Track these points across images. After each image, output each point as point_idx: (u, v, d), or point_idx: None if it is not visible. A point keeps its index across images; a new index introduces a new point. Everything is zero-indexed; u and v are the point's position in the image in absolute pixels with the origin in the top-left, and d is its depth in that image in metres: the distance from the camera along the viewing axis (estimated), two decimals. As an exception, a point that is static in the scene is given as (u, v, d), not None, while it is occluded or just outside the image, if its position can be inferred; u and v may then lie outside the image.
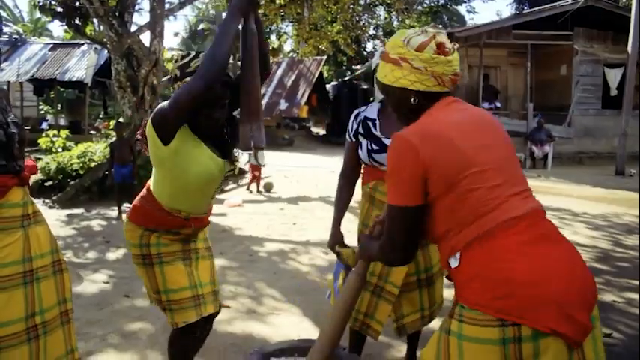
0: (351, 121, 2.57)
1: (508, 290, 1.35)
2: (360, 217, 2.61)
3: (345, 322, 1.91)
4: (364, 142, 2.48)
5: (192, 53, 2.48)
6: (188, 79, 2.09)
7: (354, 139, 2.55)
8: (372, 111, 2.52)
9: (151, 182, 2.30)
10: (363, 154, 2.48)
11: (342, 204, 2.58)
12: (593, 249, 5.67)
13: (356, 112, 2.58)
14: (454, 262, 1.47)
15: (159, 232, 2.26)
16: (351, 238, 2.57)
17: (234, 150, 2.36)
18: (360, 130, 2.51)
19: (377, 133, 2.46)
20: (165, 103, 2.07)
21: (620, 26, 13.31)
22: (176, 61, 9.32)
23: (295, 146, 19.45)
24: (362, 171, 2.62)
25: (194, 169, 2.15)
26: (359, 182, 2.65)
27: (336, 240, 2.50)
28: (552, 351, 1.32)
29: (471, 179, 1.45)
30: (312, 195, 9.24)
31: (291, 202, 8.66)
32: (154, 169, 2.28)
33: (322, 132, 24.19)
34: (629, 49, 12.24)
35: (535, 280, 1.35)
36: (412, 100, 1.59)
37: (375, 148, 2.44)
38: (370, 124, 2.49)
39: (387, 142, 2.36)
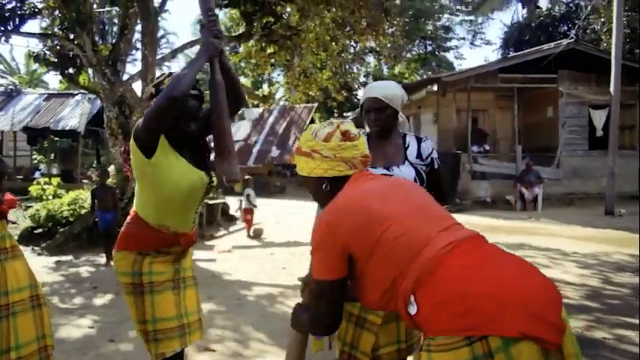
0: None
1: (467, 306, 1.33)
2: None
3: None
4: None
5: (166, 73, 2.53)
6: None
7: None
8: None
9: (135, 205, 2.35)
10: None
11: None
12: (583, 287, 5.65)
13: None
14: (413, 309, 1.45)
15: (151, 257, 2.28)
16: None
17: (211, 163, 2.43)
18: None
19: None
20: (142, 120, 2.19)
21: (603, 68, 13.65)
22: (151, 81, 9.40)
23: (287, 193, 19.52)
24: None
25: (177, 180, 2.22)
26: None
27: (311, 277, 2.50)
28: (526, 357, 1.28)
29: (393, 229, 1.51)
30: (303, 240, 9.20)
31: (281, 247, 8.63)
32: (137, 191, 2.34)
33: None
34: (611, 90, 12.52)
35: (492, 289, 1.34)
36: (324, 186, 1.73)
37: None
38: None
39: (374, 171, 2.39)
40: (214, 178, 2.46)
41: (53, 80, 32.33)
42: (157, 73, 9.77)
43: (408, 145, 2.56)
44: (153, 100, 2.24)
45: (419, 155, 2.56)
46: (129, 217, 2.39)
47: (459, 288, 1.36)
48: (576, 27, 18.50)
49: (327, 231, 1.58)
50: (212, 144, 2.38)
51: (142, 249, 2.30)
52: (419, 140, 2.60)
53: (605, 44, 16.97)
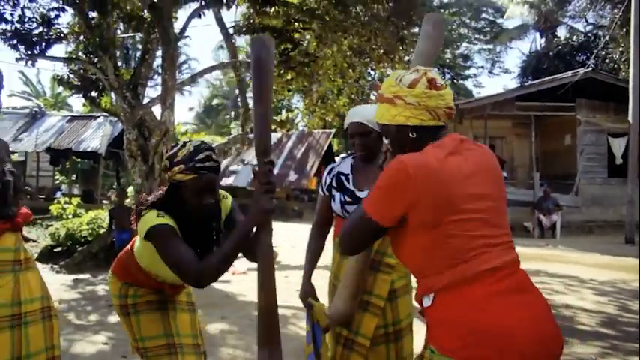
0: (324, 176, 2.65)
1: (476, 339, 1.40)
2: (331, 268, 2.64)
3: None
4: (337, 195, 2.55)
5: (180, 143, 2.47)
6: (176, 168, 2.10)
7: (327, 193, 2.62)
8: (345, 166, 2.61)
9: (135, 246, 2.39)
10: (336, 206, 2.54)
11: (312, 255, 2.65)
12: (599, 314, 5.58)
13: (329, 167, 2.68)
14: (427, 302, 1.52)
15: (136, 287, 2.37)
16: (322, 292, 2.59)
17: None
18: (334, 184, 2.59)
19: (350, 186, 2.53)
20: (166, 233, 2.06)
21: (621, 97, 13.60)
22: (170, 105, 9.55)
23: (304, 218, 19.53)
24: (334, 224, 2.66)
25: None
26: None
27: (307, 292, 2.55)
28: None
29: (454, 225, 1.49)
30: (318, 264, 9.22)
31: (296, 270, 8.64)
32: (137, 241, 2.36)
33: (331, 204, 24.30)
34: (629, 119, 12.45)
35: (502, 331, 1.40)
36: (410, 134, 1.62)
37: (348, 200, 2.50)
38: (344, 178, 2.57)
39: (361, 194, 2.45)
40: None
41: (77, 103, 32.99)
42: (181, 100, 10.01)
43: None
44: (168, 173, 2.15)
45: None
46: (127, 248, 2.46)
47: (473, 318, 1.43)
48: (594, 56, 18.49)
49: (403, 180, 1.51)
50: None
51: (128, 282, 2.40)
52: None
53: (623, 73, 16.91)
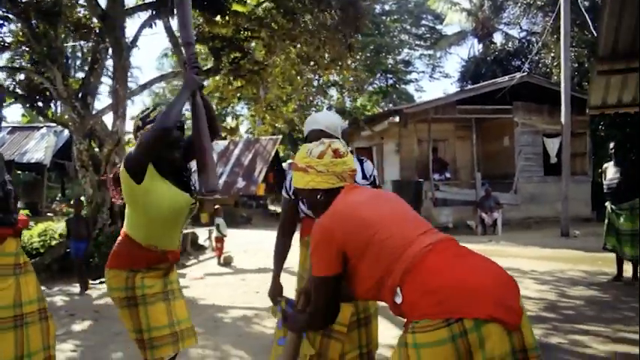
0: (287, 179, 2.84)
1: (446, 295, 1.62)
2: (299, 263, 2.88)
3: None
4: None
5: (150, 107, 2.66)
6: (149, 126, 2.49)
7: (293, 197, 2.81)
8: None
9: (126, 227, 2.59)
10: (304, 207, 2.75)
11: (280, 256, 2.90)
12: (541, 301, 6.03)
13: (290, 175, 2.90)
14: (398, 299, 1.74)
15: (142, 273, 2.51)
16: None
17: (193, 187, 2.70)
18: None
19: None
20: (132, 149, 2.44)
21: (554, 100, 14.42)
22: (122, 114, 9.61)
23: (253, 223, 19.65)
24: (299, 225, 2.90)
25: (164, 201, 2.47)
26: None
27: (276, 291, 2.81)
28: (494, 336, 1.57)
29: (381, 234, 1.80)
30: (272, 266, 9.40)
31: (252, 274, 8.80)
32: (128, 215, 2.57)
33: (279, 209, 24.45)
34: (562, 120, 13.26)
35: (466, 281, 1.64)
36: (319, 197, 2.00)
37: None
38: None
39: None
40: (197, 199, 2.72)
41: (14, 114, 31.82)
42: (128, 106, 9.98)
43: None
44: (140, 132, 2.50)
45: (364, 176, 2.85)
46: (119, 238, 2.63)
47: (438, 281, 1.66)
48: (528, 61, 19.49)
49: (325, 234, 1.85)
50: (194, 168, 2.65)
51: (134, 267, 2.53)
52: (361, 162, 2.88)
53: (555, 77, 17.92)
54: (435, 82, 40.59)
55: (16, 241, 2.22)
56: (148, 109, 2.60)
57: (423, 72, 35.48)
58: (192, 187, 2.69)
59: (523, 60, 21.86)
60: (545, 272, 7.85)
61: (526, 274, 7.81)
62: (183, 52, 2.69)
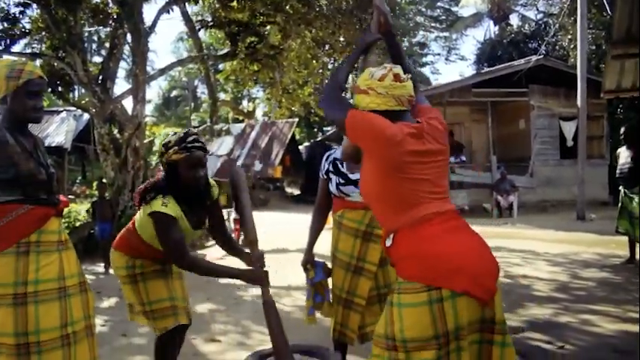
0: (323, 162, 3.09)
1: (432, 264, 1.83)
2: (332, 241, 3.05)
3: None
4: (334, 177, 2.98)
5: (171, 133, 2.67)
6: (171, 150, 2.61)
7: (325, 177, 3.05)
8: (339, 153, 3.03)
9: (136, 222, 2.80)
10: (332, 187, 2.98)
11: (314, 230, 3.09)
12: (552, 282, 6.15)
13: (327, 154, 3.12)
14: (388, 242, 1.96)
15: (141, 259, 2.79)
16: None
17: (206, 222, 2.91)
18: (331, 168, 3.02)
19: (344, 170, 2.97)
20: (166, 222, 2.57)
21: (570, 83, 14.35)
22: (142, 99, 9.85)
23: (270, 205, 19.87)
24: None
25: None
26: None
27: (308, 260, 3.01)
28: (465, 306, 1.79)
29: (402, 181, 1.92)
30: (290, 248, 9.60)
31: (270, 254, 8.96)
32: (140, 217, 2.77)
33: (296, 192, 24.70)
34: (578, 103, 13.20)
35: (452, 256, 1.84)
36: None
37: (342, 181, 2.94)
38: (339, 163, 3.00)
39: (352, 176, 2.89)
40: (204, 228, 2.93)
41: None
42: (147, 91, 10.18)
43: None
44: (164, 157, 2.64)
45: None
46: (129, 226, 2.88)
47: (429, 250, 1.86)
48: (545, 43, 19.31)
49: (385, 139, 1.92)
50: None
51: (134, 256, 2.82)
52: None
53: (572, 60, 17.75)
54: (451, 64, 40.60)
55: (58, 220, 2.40)
56: (168, 134, 2.76)
57: (439, 54, 35.38)
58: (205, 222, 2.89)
59: (540, 42, 21.65)
60: (558, 254, 7.94)
61: (539, 255, 7.92)
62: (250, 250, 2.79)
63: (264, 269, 2.68)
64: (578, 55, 13.37)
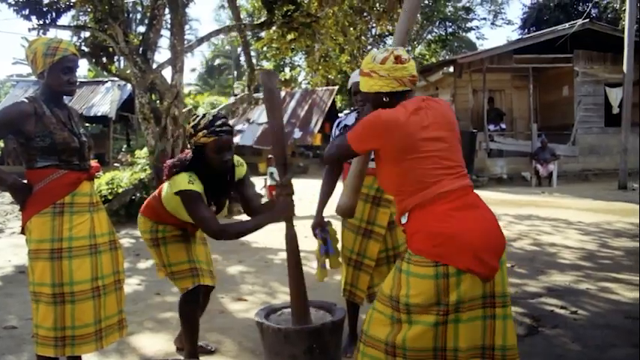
0: (334, 128, 3.22)
1: (440, 241, 1.95)
2: None
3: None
4: None
5: (200, 115, 2.73)
6: (200, 133, 2.71)
7: None
8: (350, 119, 3.16)
9: (163, 192, 2.97)
10: None
11: (325, 195, 3.22)
12: (580, 250, 6.16)
13: (338, 120, 3.24)
14: (404, 220, 2.10)
15: (165, 225, 3.00)
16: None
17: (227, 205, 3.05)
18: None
19: None
20: (193, 198, 2.67)
21: (618, 47, 13.83)
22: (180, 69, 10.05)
23: (310, 173, 20.11)
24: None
25: None
26: None
27: (318, 222, 3.13)
28: (468, 282, 1.93)
29: (414, 162, 2.04)
30: (324, 214, 9.81)
31: (304, 220, 9.23)
32: (165, 189, 2.94)
33: (336, 159, 24.80)
34: (624, 69, 12.77)
35: (458, 234, 1.95)
36: (384, 99, 2.15)
37: None
38: (349, 129, 3.10)
39: None
40: (225, 209, 3.09)
41: (81, 69, 33.21)
42: (185, 61, 10.41)
43: None
44: (193, 139, 2.75)
45: None
46: (155, 194, 3.08)
47: (439, 228, 1.98)
48: (593, 4, 18.55)
49: (378, 127, 2.05)
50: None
51: (158, 221, 3.02)
52: None
53: (623, 23, 17.03)
54: (497, 29, 39.25)
55: (90, 184, 2.65)
56: (198, 116, 2.79)
57: (485, 19, 34.26)
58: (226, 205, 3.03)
59: (588, 5, 20.82)
60: (591, 224, 7.88)
61: (571, 224, 7.88)
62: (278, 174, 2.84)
63: (290, 198, 2.71)
64: (626, 18, 12.87)
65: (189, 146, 2.86)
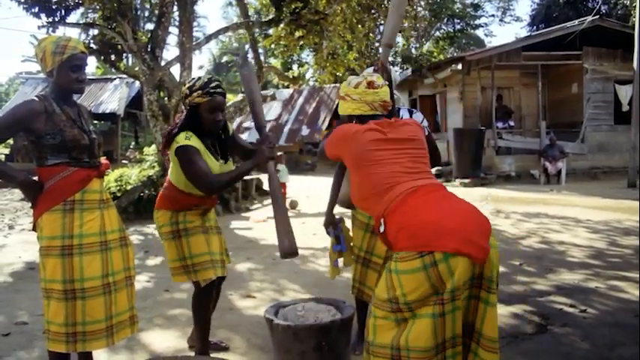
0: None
1: (419, 231, 1.96)
2: None
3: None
4: None
5: (196, 77, 2.82)
6: (195, 94, 2.82)
7: None
8: None
9: (170, 176, 3.05)
10: None
11: (334, 193, 3.25)
12: (589, 248, 6.13)
13: (337, 124, 3.25)
14: (382, 229, 2.11)
15: (183, 212, 3.01)
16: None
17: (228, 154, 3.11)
18: None
19: None
20: (190, 152, 2.77)
21: (628, 44, 13.74)
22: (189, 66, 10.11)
23: (317, 170, 20.09)
24: None
25: None
26: None
27: (330, 221, 3.19)
28: (461, 267, 1.90)
29: (370, 168, 2.15)
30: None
31: (312, 217, 9.27)
32: (172, 168, 3.00)
33: (344, 156, 24.80)
34: (634, 66, 12.67)
35: (436, 219, 1.96)
36: (354, 122, 2.32)
37: None
38: None
39: None
40: (230, 161, 3.13)
41: (89, 66, 33.36)
42: (193, 58, 10.44)
43: (402, 118, 3.15)
44: (187, 99, 2.86)
45: None
46: (165, 184, 3.12)
47: (412, 220, 2.00)
48: (602, 0, 18.41)
49: (341, 136, 2.26)
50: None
51: (176, 208, 3.03)
52: (410, 112, 3.24)
53: (634, 19, 16.89)
54: (505, 26, 39.08)
55: (100, 181, 2.66)
56: (194, 79, 2.93)
57: (493, 16, 34.07)
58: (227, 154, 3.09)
59: (598, 1, 20.67)
60: (600, 222, 7.84)
61: (580, 222, 7.85)
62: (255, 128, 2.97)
63: (269, 147, 2.82)
64: (636, 14, 12.77)
65: (183, 107, 2.98)
